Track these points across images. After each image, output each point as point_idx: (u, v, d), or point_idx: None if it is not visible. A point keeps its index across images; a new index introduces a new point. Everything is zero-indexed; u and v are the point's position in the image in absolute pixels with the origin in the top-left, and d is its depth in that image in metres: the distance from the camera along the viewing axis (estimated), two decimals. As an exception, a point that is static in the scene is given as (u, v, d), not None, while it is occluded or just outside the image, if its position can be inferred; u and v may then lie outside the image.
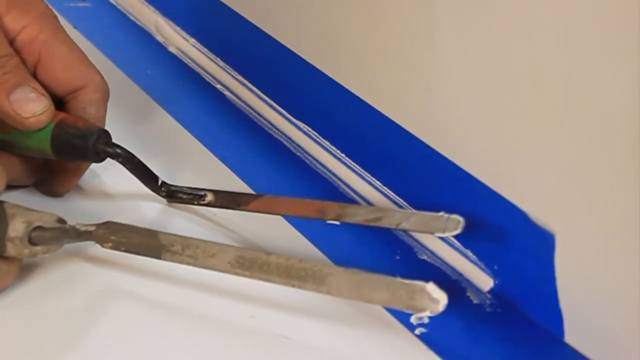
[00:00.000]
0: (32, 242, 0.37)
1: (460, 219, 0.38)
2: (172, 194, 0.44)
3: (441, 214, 0.38)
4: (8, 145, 0.42)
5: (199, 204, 0.44)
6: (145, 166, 0.43)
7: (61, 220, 0.39)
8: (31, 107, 0.40)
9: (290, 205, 0.42)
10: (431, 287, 0.34)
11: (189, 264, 0.37)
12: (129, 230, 0.39)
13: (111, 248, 0.38)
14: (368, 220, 0.40)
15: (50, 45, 0.43)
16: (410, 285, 0.34)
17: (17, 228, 0.37)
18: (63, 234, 0.38)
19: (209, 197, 0.44)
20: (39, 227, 0.38)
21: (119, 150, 0.42)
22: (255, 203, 0.43)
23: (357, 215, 0.40)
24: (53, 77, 0.43)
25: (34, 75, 0.43)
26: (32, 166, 0.44)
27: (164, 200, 0.44)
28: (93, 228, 0.38)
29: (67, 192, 0.45)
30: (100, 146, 0.41)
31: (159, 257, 0.38)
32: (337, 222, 0.40)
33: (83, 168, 0.45)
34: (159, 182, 0.44)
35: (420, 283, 0.34)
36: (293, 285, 0.36)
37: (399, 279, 0.34)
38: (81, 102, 0.43)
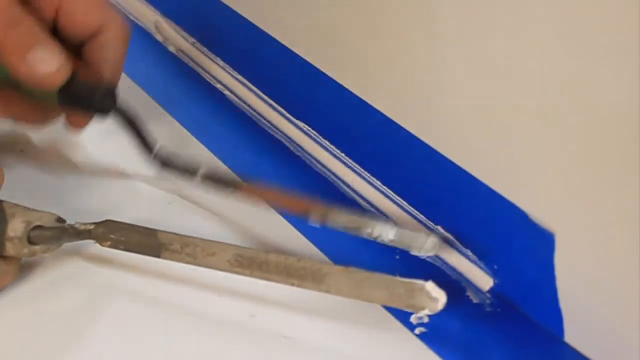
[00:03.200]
0: (31, 242, 0.38)
1: (437, 240, 0.39)
2: (165, 164, 0.44)
3: (421, 232, 0.39)
4: (16, 86, 0.42)
5: (189, 180, 0.43)
6: (145, 132, 0.43)
7: (61, 220, 0.39)
8: (46, 67, 0.39)
9: (278, 197, 0.42)
10: (430, 286, 0.34)
11: (188, 262, 0.38)
12: (128, 229, 0.39)
13: (110, 247, 0.39)
14: (349, 229, 0.40)
15: None
16: (409, 284, 0.34)
17: (16, 228, 0.37)
18: (62, 233, 0.38)
19: (201, 174, 0.43)
20: (38, 227, 0.38)
21: (123, 110, 0.42)
22: (244, 190, 0.42)
23: (340, 222, 0.40)
24: (74, 22, 0.42)
25: (55, 23, 0.42)
26: (44, 109, 0.43)
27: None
28: (92, 227, 0.38)
29: (81, 130, 0.44)
30: (105, 103, 0.42)
31: (158, 256, 0.38)
32: (318, 225, 0.40)
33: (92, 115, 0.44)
34: (155, 150, 0.43)
35: (419, 282, 0.34)
36: (292, 284, 0.36)
37: (399, 278, 0.35)
38: (100, 44, 0.43)
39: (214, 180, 0.43)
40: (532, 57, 0.33)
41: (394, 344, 0.37)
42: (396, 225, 0.39)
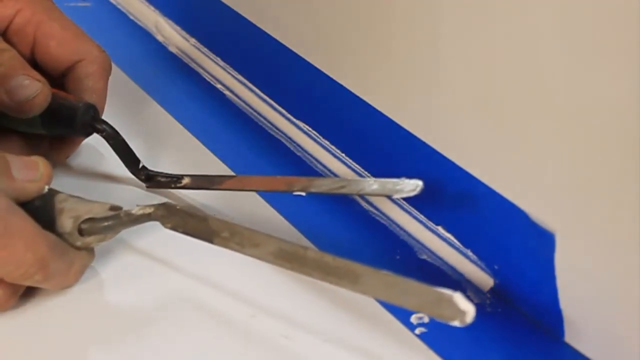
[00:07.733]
0: (83, 234, 0.38)
1: (419, 182, 0.39)
2: (151, 178, 0.45)
3: (402, 179, 0.39)
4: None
5: (175, 187, 0.45)
6: (128, 146, 0.44)
7: (114, 208, 0.39)
8: (24, 93, 0.40)
9: (261, 181, 0.44)
10: (458, 298, 0.33)
11: (236, 250, 0.37)
12: (182, 212, 0.38)
13: (171, 229, 0.38)
14: (332, 189, 0.41)
15: (44, 25, 0.44)
16: (438, 293, 0.33)
17: (64, 225, 0.38)
18: (116, 221, 0.38)
19: (186, 180, 0.45)
20: (89, 219, 0.38)
21: (104, 126, 0.43)
22: (229, 182, 0.44)
23: (323, 186, 0.42)
24: (49, 56, 0.44)
25: (32, 57, 0.44)
26: (30, 142, 0.44)
27: (143, 185, 0.45)
28: (151, 210, 0.38)
29: (61, 162, 0.46)
30: (86, 119, 0.43)
31: (211, 242, 0.38)
32: (303, 193, 0.41)
33: (77, 141, 0.46)
34: (140, 165, 0.45)
35: (448, 292, 0.33)
36: (330, 282, 0.36)
37: (428, 286, 0.34)
38: (78, 75, 0.44)
39: (199, 182, 0.44)
40: (532, 56, 0.33)
41: (394, 344, 0.37)
42: (376, 179, 0.41)
